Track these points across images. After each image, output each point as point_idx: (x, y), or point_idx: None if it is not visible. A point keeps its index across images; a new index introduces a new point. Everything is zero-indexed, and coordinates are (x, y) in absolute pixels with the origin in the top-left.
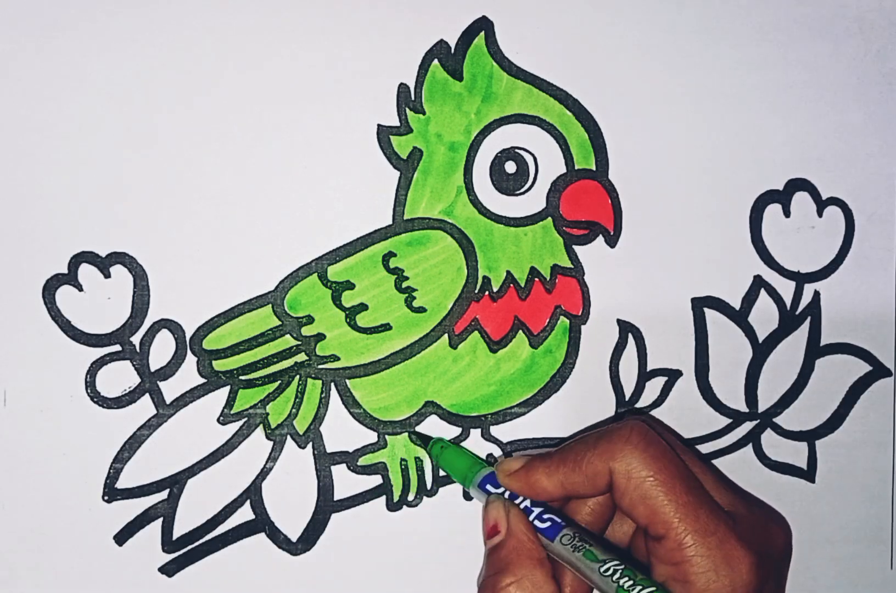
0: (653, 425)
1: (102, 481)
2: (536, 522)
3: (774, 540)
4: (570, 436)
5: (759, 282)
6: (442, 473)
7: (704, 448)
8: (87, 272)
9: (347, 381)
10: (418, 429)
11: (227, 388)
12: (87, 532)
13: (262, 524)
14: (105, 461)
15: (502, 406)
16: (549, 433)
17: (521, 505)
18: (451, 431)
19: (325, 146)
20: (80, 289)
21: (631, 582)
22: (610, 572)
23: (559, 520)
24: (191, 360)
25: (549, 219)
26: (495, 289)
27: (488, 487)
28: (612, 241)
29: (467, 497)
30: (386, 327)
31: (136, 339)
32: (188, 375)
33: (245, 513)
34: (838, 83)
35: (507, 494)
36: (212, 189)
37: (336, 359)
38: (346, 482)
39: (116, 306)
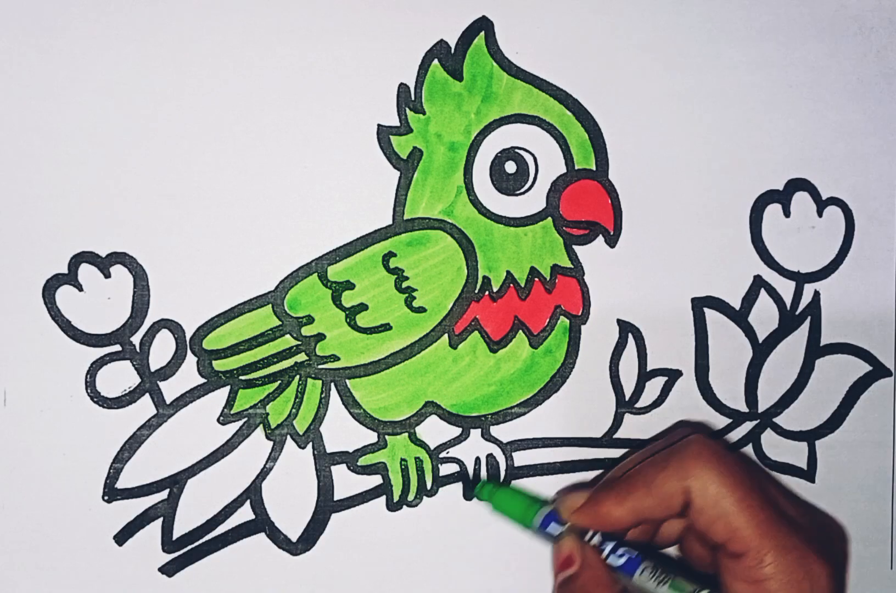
0: (714, 438)
1: (102, 481)
2: (612, 559)
3: (838, 547)
4: (570, 436)
5: (759, 282)
6: (442, 473)
7: None
8: (87, 272)
9: (347, 381)
10: (419, 429)
11: (227, 388)
12: (87, 532)
13: (262, 524)
14: (105, 461)
15: (502, 406)
16: (549, 433)
17: (593, 540)
18: (451, 431)
19: (325, 146)
20: (80, 289)
21: None
22: None
23: (635, 554)
24: (191, 360)
25: (549, 219)
26: (495, 289)
27: (553, 525)
28: (612, 241)
29: (467, 497)
30: (386, 327)
31: (136, 339)
32: (188, 375)
33: (245, 513)
34: (838, 83)
35: (574, 529)
36: (212, 189)
37: (336, 359)
38: (346, 482)
39: (116, 306)
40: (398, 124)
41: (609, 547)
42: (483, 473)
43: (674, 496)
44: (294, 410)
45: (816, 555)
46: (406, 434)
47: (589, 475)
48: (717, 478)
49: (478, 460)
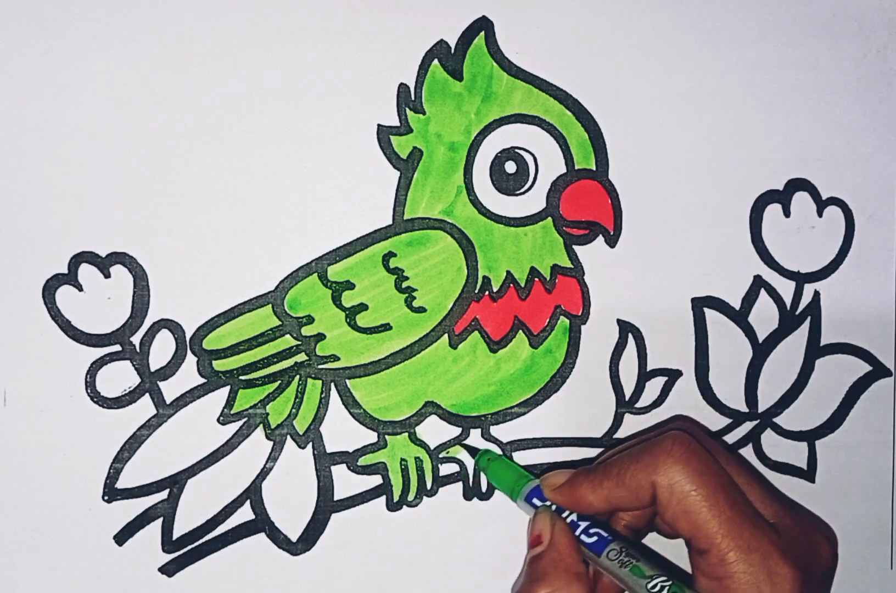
0: (696, 433)
1: (102, 481)
2: (583, 537)
3: (820, 552)
4: (570, 436)
5: (759, 282)
6: (443, 473)
7: None
8: (87, 272)
9: (347, 381)
10: (419, 429)
11: (227, 388)
12: (87, 532)
13: (262, 524)
14: (105, 461)
15: (502, 406)
16: (549, 433)
17: (568, 519)
18: (451, 431)
19: (325, 146)
20: (80, 289)
21: None
22: (657, 589)
23: (606, 535)
24: (191, 360)
25: (549, 219)
26: (495, 289)
27: (535, 501)
28: (612, 241)
29: (467, 497)
30: (386, 327)
31: (136, 339)
32: (188, 375)
33: (245, 513)
34: (838, 83)
35: (553, 508)
36: (212, 189)
37: (336, 359)
38: (346, 482)
39: (116, 306)
40: (398, 124)
41: (583, 525)
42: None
43: (641, 489)
44: (294, 410)
45: (782, 558)
46: (406, 434)
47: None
48: (684, 475)
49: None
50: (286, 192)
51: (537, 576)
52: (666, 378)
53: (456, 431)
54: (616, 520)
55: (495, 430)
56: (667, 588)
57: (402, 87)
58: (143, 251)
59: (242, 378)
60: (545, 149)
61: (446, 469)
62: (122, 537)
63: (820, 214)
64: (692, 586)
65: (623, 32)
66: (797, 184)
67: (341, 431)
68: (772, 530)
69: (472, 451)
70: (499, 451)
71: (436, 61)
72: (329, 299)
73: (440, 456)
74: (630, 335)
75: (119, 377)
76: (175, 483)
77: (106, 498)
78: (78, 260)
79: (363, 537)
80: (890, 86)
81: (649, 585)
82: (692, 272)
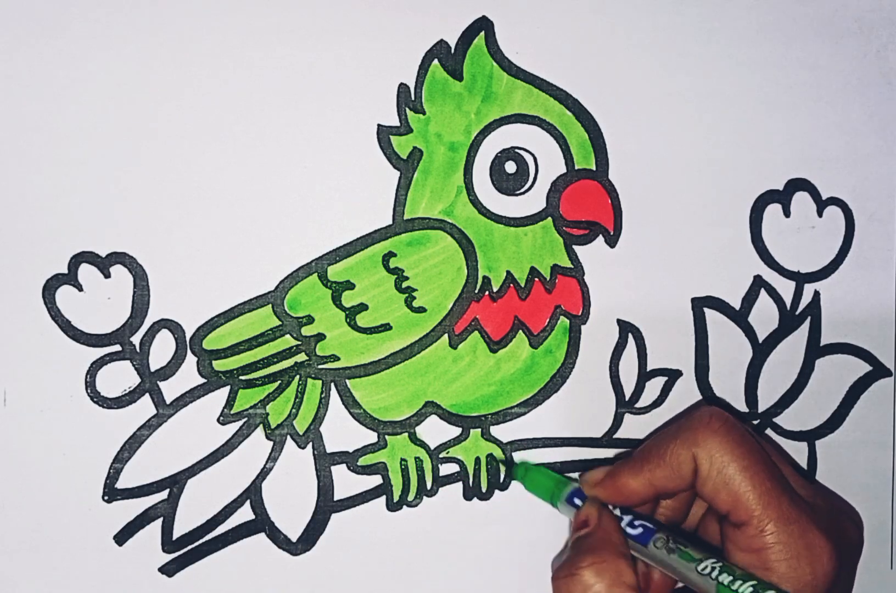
0: (728, 412)
1: (102, 481)
2: (628, 529)
3: (849, 532)
4: (570, 436)
5: (759, 282)
6: (443, 473)
7: None
8: (87, 272)
9: (347, 381)
10: (419, 429)
11: (227, 388)
12: (87, 532)
13: (262, 524)
14: (105, 461)
15: (502, 406)
16: (549, 433)
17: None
18: (451, 431)
19: (325, 146)
20: (80, 289)
21: (731, 578)
22: (708, 570)
23: (650, 525)
24: (191, 360)
25: (549, 219)
26: (495, 289)
27: (576, 500)
28: (612, 241)
29: (467, 497)
30: (386, 327)
31: (136, 339)
32: (188, 375)
33: (245, 513)
34: (838, 83)
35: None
36: (212, 189)
37: (336, 359)
38: (346, 482)
39: (116, 306)
40: (398, 124)
41: (627, 519)
42: (483, 474)
43: (683, 465)
44: (294, 410)
45: (820, 531)
46: (406, 434)
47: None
48: (724, 446)
49: (478, 460)
50: (286, 192)
51: (585, 549)
52: (666, 378)
53: (456, 431)
54: (656, 515)
55: (495, 430)
56: (717, 568)
57: (402, 87)
58: (143, 251)
59: (242, 378)
60: (545, 149)
61: (446, 469)
62: (122, 537)
63: (820, 214)
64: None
65: (623, 32)
66: (797, 184)
67: (341, 431)
68: (808, 504)
69: (507, 464)
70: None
71: (436, 61)
72: (329, 299)
73: (440, 456)
74: (630, 335)
75: (119, 377)
76: (175, 483)
77: (106, 498)
78: (78, 260)
79: (363, 537)
80: (890, 86)
81: (699, 567)
82: (692, 272)
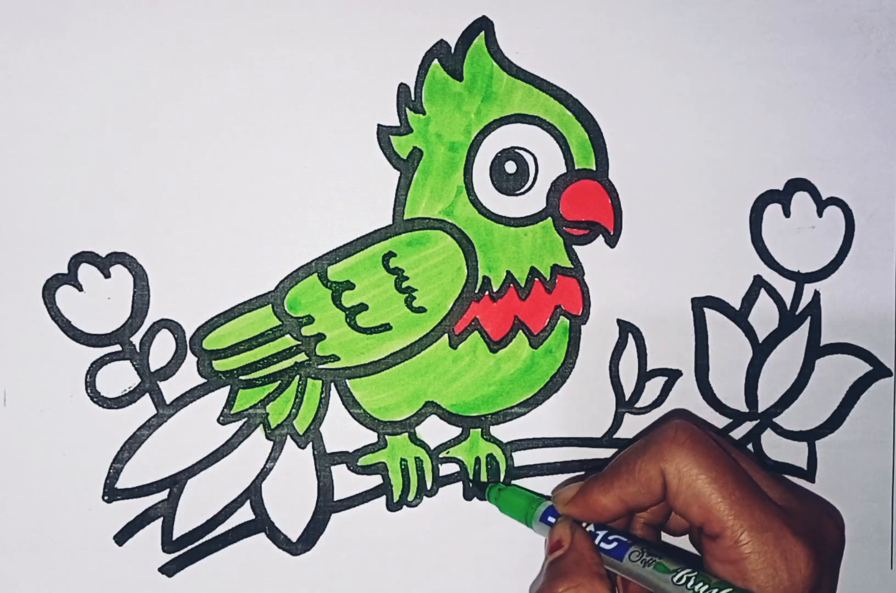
0: (696, 422)
1: (102, 481)
2: (602, 544)
3: (828, 533)
4: (570, 436)
5: (759, 282)
6: (443, 473)
7: None
8: (87, 272)
9: (347, 381)
10: (419, 429)
11: (227, 388)
12: (87, 532)
13: (262, 524)
14: (105, 461)
15: (502, 406)
16: (549, 433)
17: (587, 529)
18: (451, 431)
19: (325, 146)
20: (80, 289)
21: (706, 587)
22: (684, 580)
23: (625, 539)
24: (191, 360)
25: (549, 219)
26: (495, 289)
27: (550, 519)
28: (612, 241)
29: (467, 497)
30: (386, 327)
31: (136, 339)
32: (188, 375)
33: (245, 513)
34: (838, 83)
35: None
36: (212, 189)
37: (336, 359)
38: (346, 482)
39: (116, 306)
40: (398, 124)
41: (601, 534)
42: (483, 474)
43: (651, 480)
44: (294, 410)
45: (795, 537)
46: (406, 434)
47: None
48: (691, 459)
49: (478, 460)
50: (286, 192)
51: (559, 574)
52: (666, 378)
53: (456, 431)
54: (634, 521)
55: (495, 430)
56: (693, 578)
57: (402, 87)
58: (143, 251)
59: (242, 378)
60: (545, 149)
61: (446, 469)
62: (122, 537)
63: (820, 214)
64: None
65: (623, 32)
66: (797, 184)
67: (341, 431)
68: (781, 510)
69: (481, 487)
70: (501, 458)
71: (436, 61)
72: (329, 299)
73: (440, 456)
74: (630, 335)
75: (119, 377)
76: (175, 483)
77: (106, 498)
78: (78, 260)
79: (363, 537)
80: (890, 86)
81: (674, 578)
82: (692, 272)
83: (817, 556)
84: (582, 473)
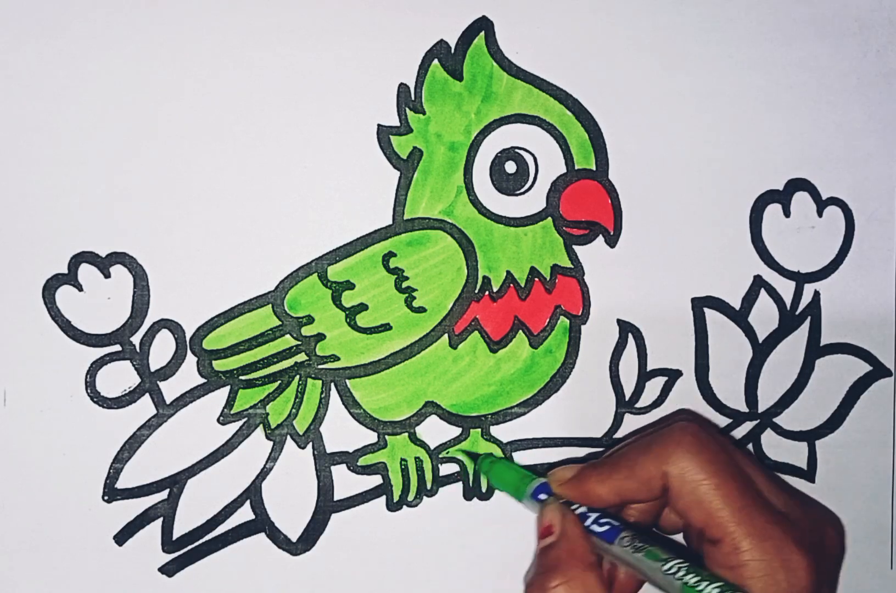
0: (703, 425)
1: (102, 481)
2: (594, 526)
3: (828, 540)
4: (570, 436)
5: (759, 282)
6: (443, 473)
7: None
8: (87, 272)
9: (347, 381)
10: (419, 429)
11: (227, 388)
12: (87, 532)
13: (262, 524)
14: (105, 461)
15: (502, 406)
16: (549, 433)
17: (578, 511)
18: (451, 431)
19: (325, 146)
20: (80, 289)
21: (697, 579)
22: (674, 570)
23: (616, 524)
24: (191, 360)
25: (549, 219)
26: (495, 289)
27: (542, 496)
28: (612, 241)
29: (467, 497)
30: (386, 327)
31: (136, 339)
32: (188, 375)
33: (245, 513)
34: (838, 83)
35: (561, 501)
36: (212, 189)
37: (336, 359)
38: (346, 482)
39: (116, 306)
40: (398, 124)
41: (593, 516)
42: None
43: (652, 480)
44: (294, 410)
45: (796, 546)
46: (406, 434)
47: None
48: (696, 464)
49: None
50: (286, 192)
51: (550, 567)
52: (666, 378)
53: (456, 431)
54: (625, 517)
55: (495, 430)
56: (684, 569)
57: (402, 87)
58: (143, 251)
59: (242, 378)
60: (545, 149)
61: (446, 469)
62: (122, 537)
63: (820, 214)
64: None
65: (623, 32)
66: (797, 184)
67: (341, 431)
68: (783, 518)
69: (473, 456)
70: (499, 454)
71: (436, 61)
72: (329, 299)
73: (440, 456)
74: (630, 335)
75: (119, 377)
76: (175, 483)
77: (106, 498)
78: (78, 260)
79: (363, 537)
80: (890, 86)
81: (664, 568)
82: (692, 272)
83: (817, 565)
84: (583, 456)
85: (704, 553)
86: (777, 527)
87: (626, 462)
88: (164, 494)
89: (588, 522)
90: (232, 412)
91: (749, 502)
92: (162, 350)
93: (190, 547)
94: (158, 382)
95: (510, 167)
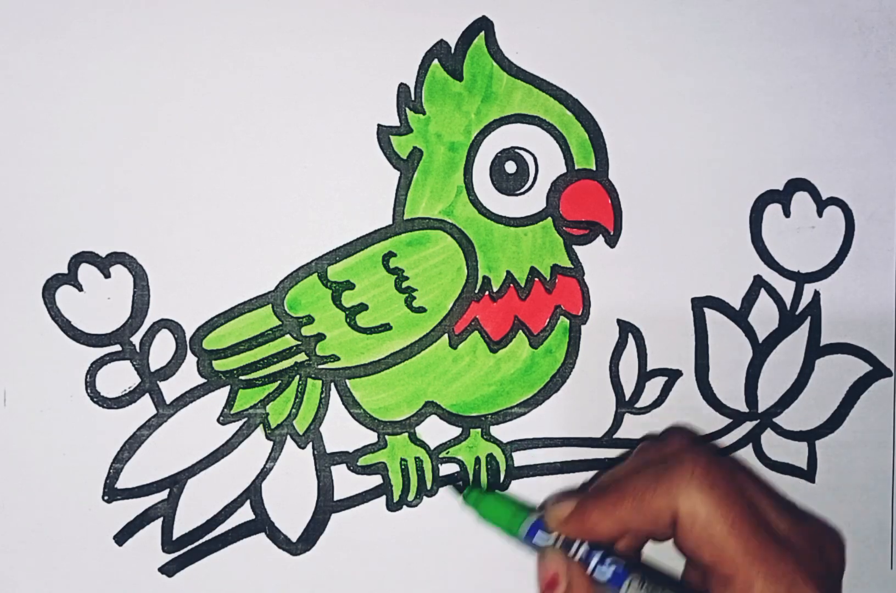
0: (708, 449)
1: (102, 481)
2: (599, 570)
3: (831, 558)
4: (570, 436)
5: (759, 282)
6: (443, 473)
7: None
8: (87, 272)
9: (347, 381)
10: (419, 429)
11: (227, 388)
12: (87, 532)
13: (262, 524)
14: (105, 461)
15: (502, 406)
16: (549, 433)
17: (580, 552)
18: (451, 431)
19: (325, 146)
20: (80, 289)
21: None
22: None
23: (623, 566)
24: (191, 360)
25: (549, 219)
26: (495, 289)
27: (539, 534)
28: (612, 241)
29: (463, 496)
30: (386, 327)
31: (136, 339)
32: (188, 375)
33: (245, 513)
34: (838, 83)
35: (561, 538)
36: (212, 189)
37: (336, 359)
38: (346, 482)
39: (116, 306)
40: (398, 124)
41: (596, 558)
42: (483, 474)
43: (661, 514)
44: (294, 410)
45: (805, 581)
46: (406, 434)
47: (587, 475)
48: (708, 501)
49: (478, 460)
50: (286, 192)
51: None
52: (666, 378)
53: (456, 431)
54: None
55: (495, 430)
56: None
57: (402, 87)
58: (143, 251)
59: (242, 378)
60: (545, 149)
61: (446, 469)
62: (122, 537)
63: (820, 214)
64: None
65: (623, 32)
66: (797, 184)
67: (341, 431)
68: (792, 552)
69: (459, 488)
70: (499, 454)
71: (436, 61)
72: (329, 299)
73: (440, 456)
74: (630, 335)
75: (119, 377)
76: (175, 483)
77: (106, 498)
78: (78, 260)
79: (363, 537)
80: (890, 86)
81: None
82: (692, 272)
83: (825, 586)
84: (583, 478)
85: (712, 588)
86: (789, 563)
87: (632, 493)
88: (164, 494)
89: (592, 565)
90: (232, 412)
91: (761, 541)
92: (162, 350)
93: (190, 547)
94: (158, 382)
95: (510, 167)
